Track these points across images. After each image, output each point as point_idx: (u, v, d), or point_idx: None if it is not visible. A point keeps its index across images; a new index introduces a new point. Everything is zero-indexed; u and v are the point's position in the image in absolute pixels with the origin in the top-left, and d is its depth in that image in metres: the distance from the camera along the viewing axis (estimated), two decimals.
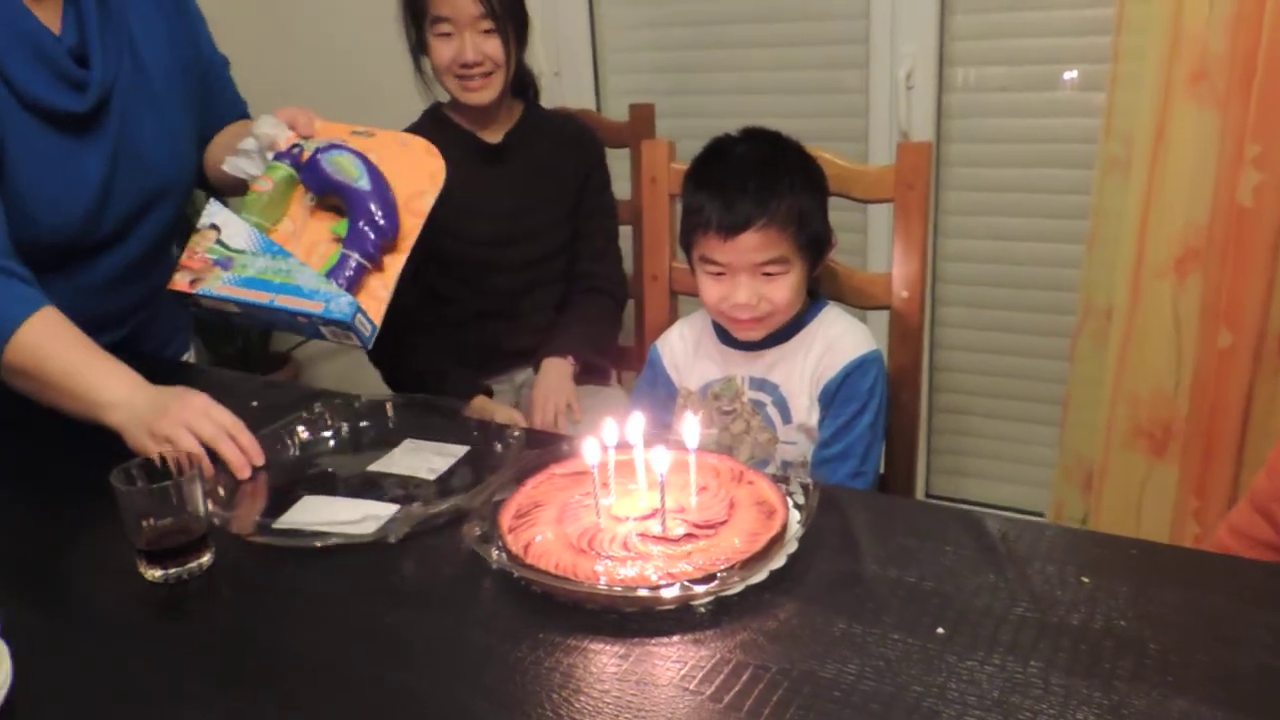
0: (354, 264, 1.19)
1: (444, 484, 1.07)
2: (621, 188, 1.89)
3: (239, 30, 1.72)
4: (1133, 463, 1.77)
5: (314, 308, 1.16)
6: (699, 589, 0.82)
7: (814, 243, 1.26)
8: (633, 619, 0.82)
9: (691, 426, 0.96)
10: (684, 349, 1.39)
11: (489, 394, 1.66)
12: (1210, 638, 0.75)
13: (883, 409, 1.29)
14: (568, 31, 2.32)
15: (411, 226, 1.24)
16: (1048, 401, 2.08)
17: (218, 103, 1.47)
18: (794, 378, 1.29)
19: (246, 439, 1.11)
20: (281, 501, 1.04)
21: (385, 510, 1.00)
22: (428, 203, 1.27)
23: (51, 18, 1.25)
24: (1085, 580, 0.83)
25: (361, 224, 1.21)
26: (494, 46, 1.58)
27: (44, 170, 1.24)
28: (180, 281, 1.21)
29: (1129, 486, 1.78)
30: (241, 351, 2.75)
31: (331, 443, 1.19)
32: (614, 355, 1.86)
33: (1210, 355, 1.64)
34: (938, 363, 2.20)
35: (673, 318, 1.49)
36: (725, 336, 1.33)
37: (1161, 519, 1.76)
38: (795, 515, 0.93)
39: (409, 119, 1.72)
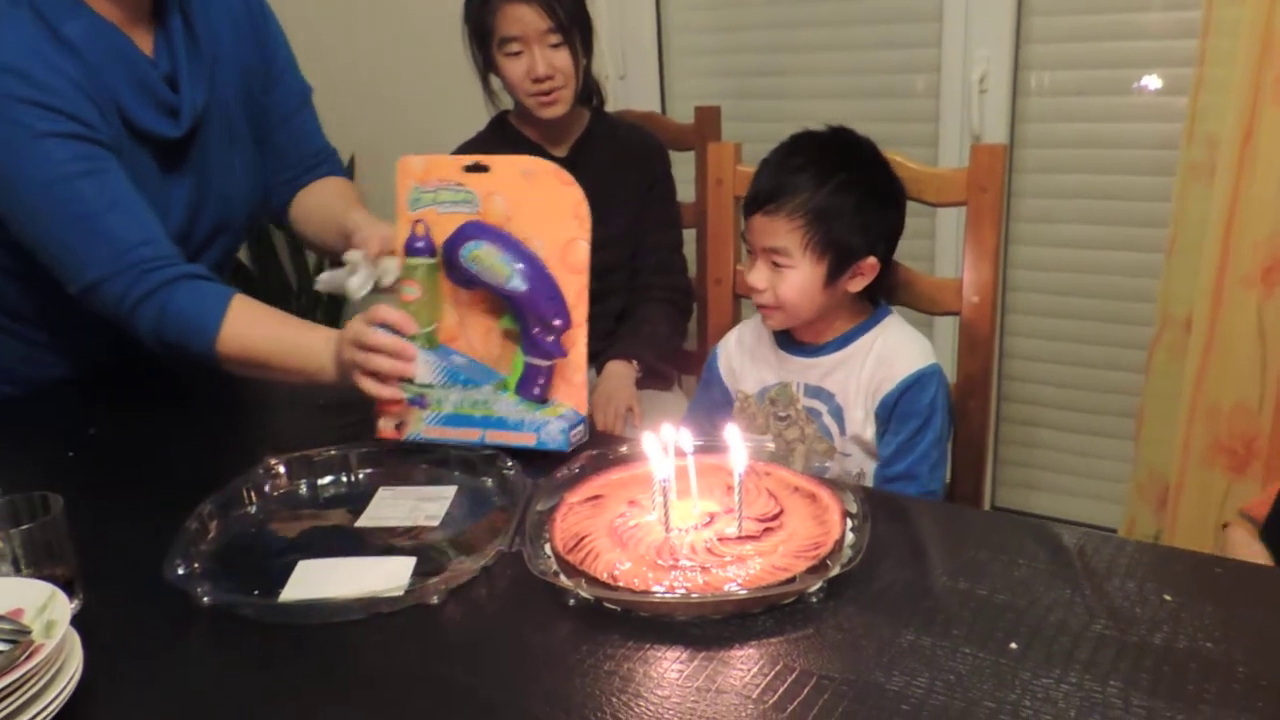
0: (542, 369, 1.13)
1: (452, 530, 0.99)
2: (685, 190, 1.88)
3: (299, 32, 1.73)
4: (1211, 480, 1.70)
5: (526, 440, 1.11)
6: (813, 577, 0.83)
7: (833, 248, 1.19)
8: (695, 625, 0.80)
9: (734, 433, 0.93)
10: (740, 352, 1.37)
11: None
12: None
13: (947, 426, 1.25)
14: (634, 34, 2.31)
15: (579, 287, 1.13)
16: (1120, 414, 2.02)
17: (292, 135, 1.45)
18: (849, 388, 1.25)
19: (387, 340, 1.09)
20: (270, 572, 0.92)
21: (403, 566, 0.92)
22: (584, 251, 1.13)
23: (144, 41, 1.27)
24: (1168, 598, 0.79)
25: (535, 330, 1.12)
26: (563, 59, 1.58)
27: (142, 196, 1.25)
28: (387, 429, 1.15)
29: (1206, 505, 1.72)
30: None
31: (295, 500, 1.08)
32: (678, 360, 1.85)
33: None
34: (1007, 372, 2.15)
35: (736, 321, 1.47)
36: (783, 340, 1.31)
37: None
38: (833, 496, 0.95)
39: (473, 129, 1.73)
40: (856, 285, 1.24)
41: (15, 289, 1.34)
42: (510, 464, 1.06)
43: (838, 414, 1.26)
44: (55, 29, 1.18)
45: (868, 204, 1.21)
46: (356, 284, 1.18)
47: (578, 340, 1.14)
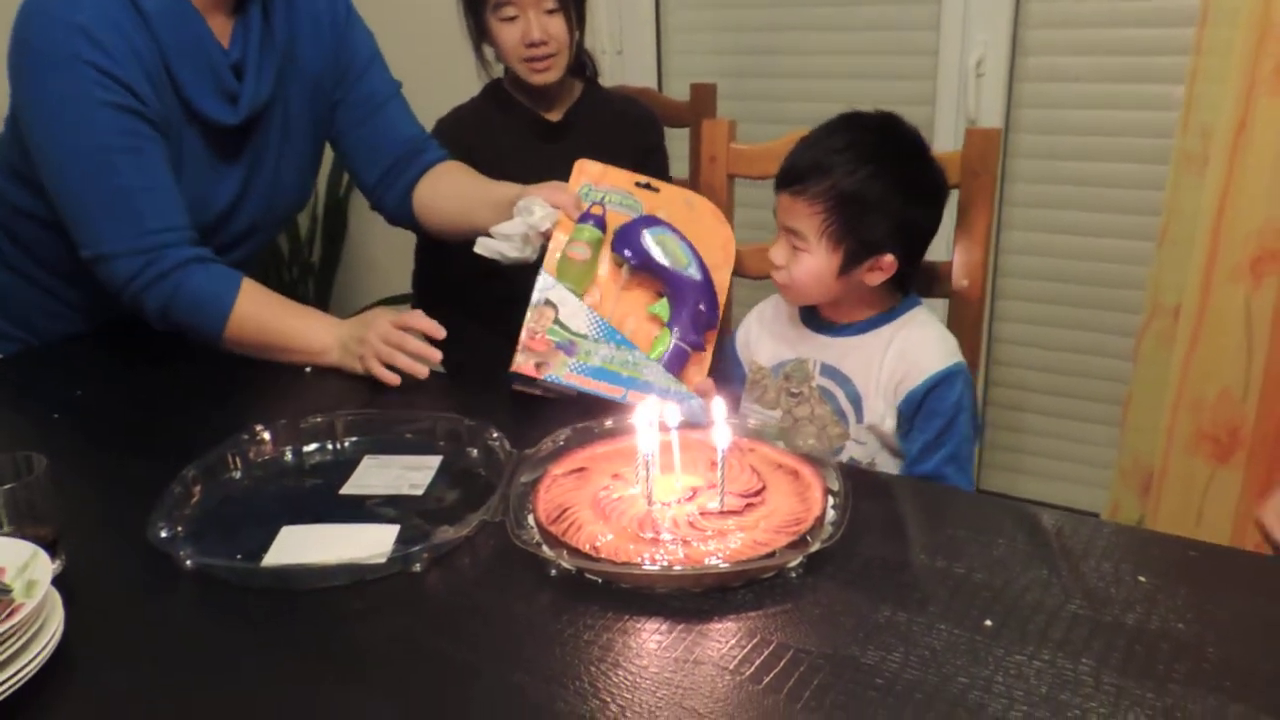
0: (685, 354, 1.20)
1: (438, 499, 1.00)
2: (680, 167, 1.88)
3: None
4: (1194, 468, 1.71)
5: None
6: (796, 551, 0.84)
7: (850, 239, 1.17)
8: (675, 597, 0.81)
9: (719, 408, 0.94)
10: (760, 325, 1.35)
11: None
12: (1274, 644, 0.73)
13: (972, 427, 1.22)
14: (631, 10, 2.30)
15: (720, 305, 1.26)
16: (1107, 401, 2.03)
17: (381, 127, 1.46)
18: (870, 376, 1.23)
19: (415, 345, 1.23)
20: (253, 537, 0.92)
21: (386, 533, 0.92)
22: (725, 278, 1.27)
23: (223, 29, 1.29)
24: (1142, 580, 0.80)
25: (690, 314, 1.20)
26: (558, 25, 1.57)
27: (188, 179, 1.28)
28: (525, 364, 1.16)
29: (1189, 492, 1.73)
30: None
31: (280, 467, 1.08)
32: None
33: None
34: (995, 357, 2.16)
35: (728, 300, 1.47)
36: (805, 315, 1.30)
37: (1222, 526, 1.71)
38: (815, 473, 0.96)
39: (463, 96, 1.72)
40: (874, 279, 1.20)
41: (47, 237, 1.36)
42: (496, 435, 1.07)
43: (856, 400, 1.24)
44: (137, 1, 1.20)
45: (896, 199, 1.17)
46: (542, 214, 1.23)
47: (712, 341, 1.24)
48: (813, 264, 1.19)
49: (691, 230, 1.25)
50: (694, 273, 1.22)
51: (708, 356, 1.24)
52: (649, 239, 1.22)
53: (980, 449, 2.21)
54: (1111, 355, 2.01)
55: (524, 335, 1.18)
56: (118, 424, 1.22)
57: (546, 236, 1.24)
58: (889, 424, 1.22)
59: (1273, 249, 1.56)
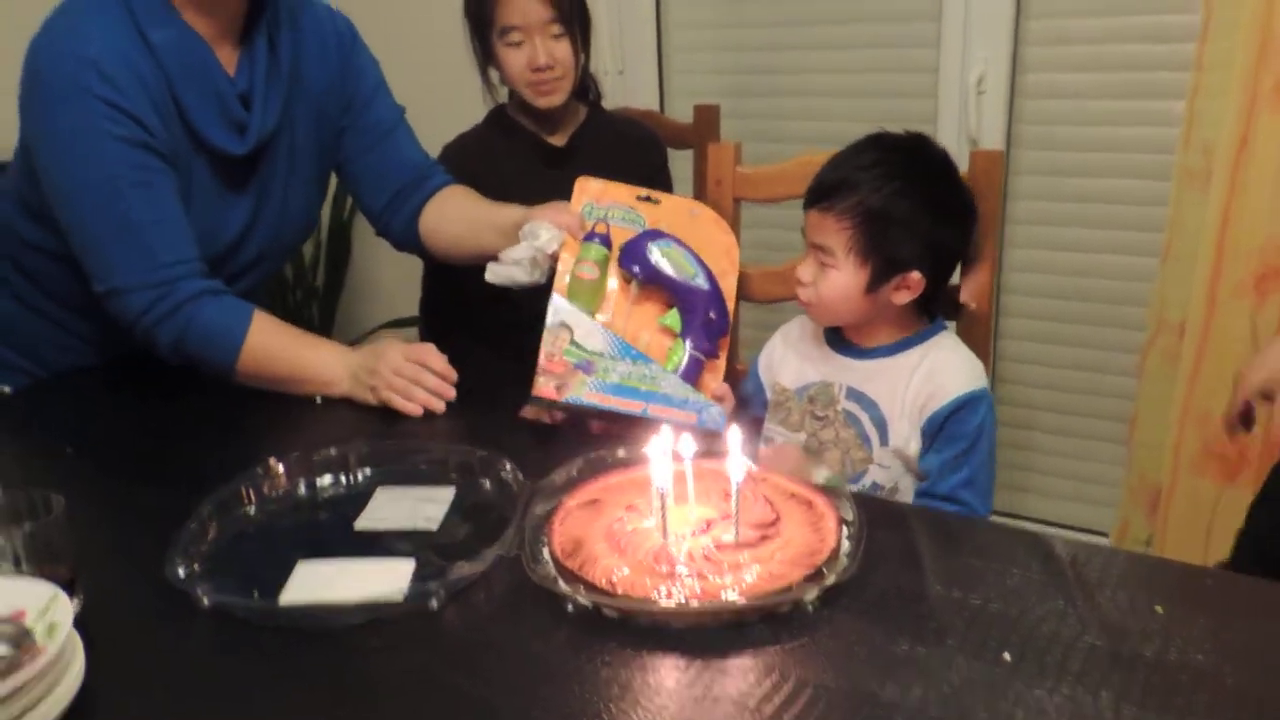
0: (699, 363, 1.22)
1: (453, 532, 1.00)
2: (683, 188, 1.88)
3: None
4: (1202, 486, 1.71)
5: (687, 419, 1.18)
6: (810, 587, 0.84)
7: (878, 255, 1.18)
8: (692, 632, 0.81)
9: (735, 435, 0.94)
10: (784, 346, 1.36)
11: None
12: None
13: (992, 453, 1.23)
14: (633, 30, 2.31)
15: (729, 311, 1.28)
16: (1114, 418, 2.03)
17: (388, 153, 1.47)
18: (895, 400, 1.23)
19: (432, 381, 1.25)
20: (269, 573, 0.91)
21: (402, 569, 0.91)
22: (731, 284, 1.30)
23: (229, 58, 1.30)
24: (1159, 609, 0.80)
25: (701, 323, 1.23)
26: (564, 50, 1.58)
27: (198, 209, 1.29)
28: (545, 387, 1.18)
29: (1198, 510, 1.73)
30: None
31: (294, 501, 1.08)
32: None
33: None
34: (1000, 375, 2.16)
35: (739, 319, 1.48)
36: (831, 337, 1.30)
37: (1231, 545, 1.70)
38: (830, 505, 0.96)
39: (469, 121, 1.73)
40: (901, 298, 1.21)
41: (57, 270, 1.36)
42: (509, 467, 1.07)
43: (880, 424, 1.24)
44: (144, 33, 1.21)
45: (924, 217, 1.18)
46: (548, 237, 1.25)
47: (725, 348, 1.27)
48: (840, 280, 1.20)
49: (695, 239, 1.27)
50: (701, 282, 1.24)
51: (722, 362, 1.26)
52: (655, 252, 1.24)
53: None
54: (1116, 372, 2.01)
55: (541, 359, 1.19)
56: (130, 456, 1.22)
57: (554, 258, 1.25)
58: (913, 447, 1.23)
59: (1276, 265, 1.57)
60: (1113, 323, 2.00)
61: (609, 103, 1.86)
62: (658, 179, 1.75)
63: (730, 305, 1.27)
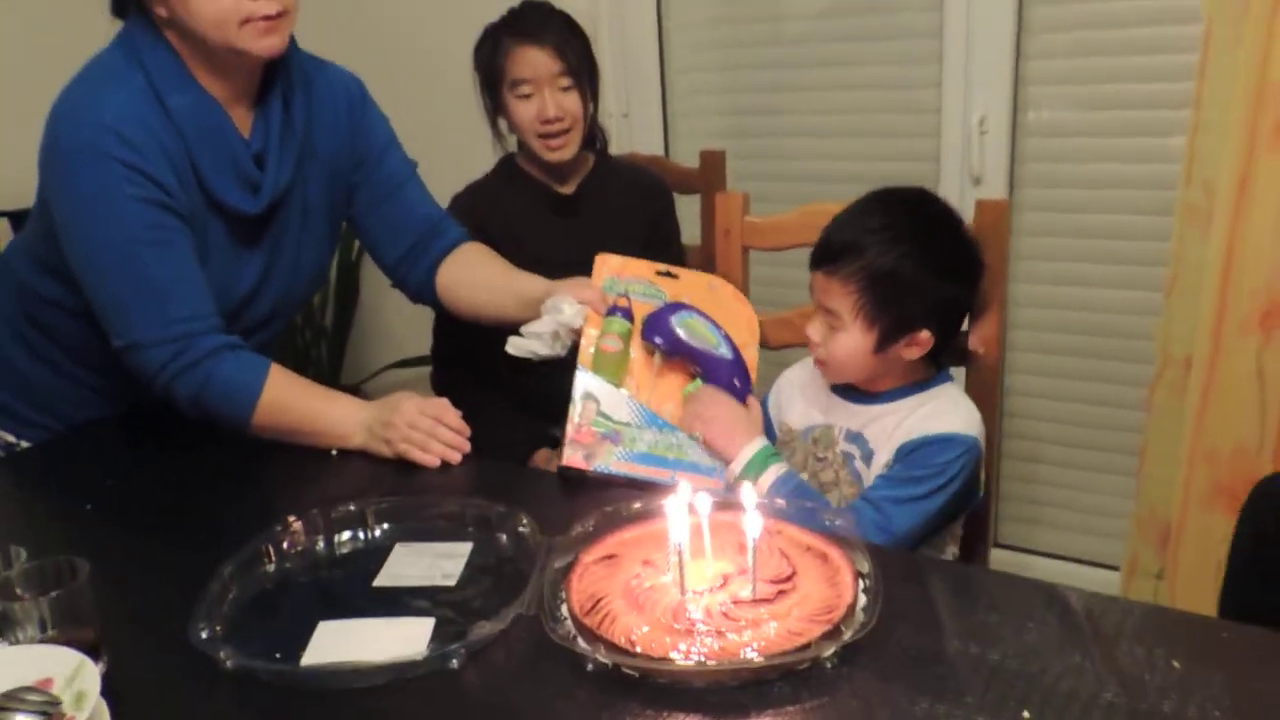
0: None
1: (471, 589, 1.01)
2: (690, 233, 1.90)
3: None
4: (1213, 521, 1.71)
5: (716, 485, 1.21)
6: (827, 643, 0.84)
7: (885, 317, 1.18)
8: (713, 691, 0.82)
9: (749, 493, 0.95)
10: (791, 387, 1.38)
11: (554, 444, 1.66)
12: None
13: (950, 499, 1.20)
14: (637, 72, 2.34)
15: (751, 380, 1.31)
16: (1122, 451, 2.04)
17: (401, 206, 1.49)
18: (883, 437, 1.25)
19: (448, 434, 1.27)
20: (291, 631, 0.93)
21: (422, 628, 0.93)
22: (753, 355, 1.33)
23: (244, 120, 1.33)
24: (1176, 664, 0.81)
25: (725, 390, 1.27)
26: (573, 101, 1.61)
27: (213, 266, 1.31)
28: (573, 458, 1.22)
29: (1208, 545, 1.73)
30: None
31: (313, 558, 1.09)
32: None
33: None
34: (1008, 409, 2.17)
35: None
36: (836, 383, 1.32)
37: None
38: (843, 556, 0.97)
39: (478, 171, 1.76)
40: (911, 354, 1.22)
41: (75, 327, 1.38)
42: (525, 520, 1.08)
43: (868, 458, 1.26)
44: (163, 99, 1.25)
45: (931, 277, 1.18)
46: (571, 312, 1.28)
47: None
48: (849, 342, 1.21)
49: (715, 312, 1.30)
50: (724, 351, 1.27)
51: None
52: (676, 324, 1.27)
53: (996, 502, 2.21)
54: (1125, 406, 2.02)
55: (569, 430, 1.23)
56: (149, 512, 1.23)
57: (577, 333, 1.28)
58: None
59: None
60: (1119, 356, 2.01)
61: (615, 144, 1.88)
62: (664, 225, 1.77)
63: (753, 376, 1.30)
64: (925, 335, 1.20)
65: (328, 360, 2.79)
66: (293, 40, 1.32)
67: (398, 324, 2.76)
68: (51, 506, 1.28)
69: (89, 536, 1.17)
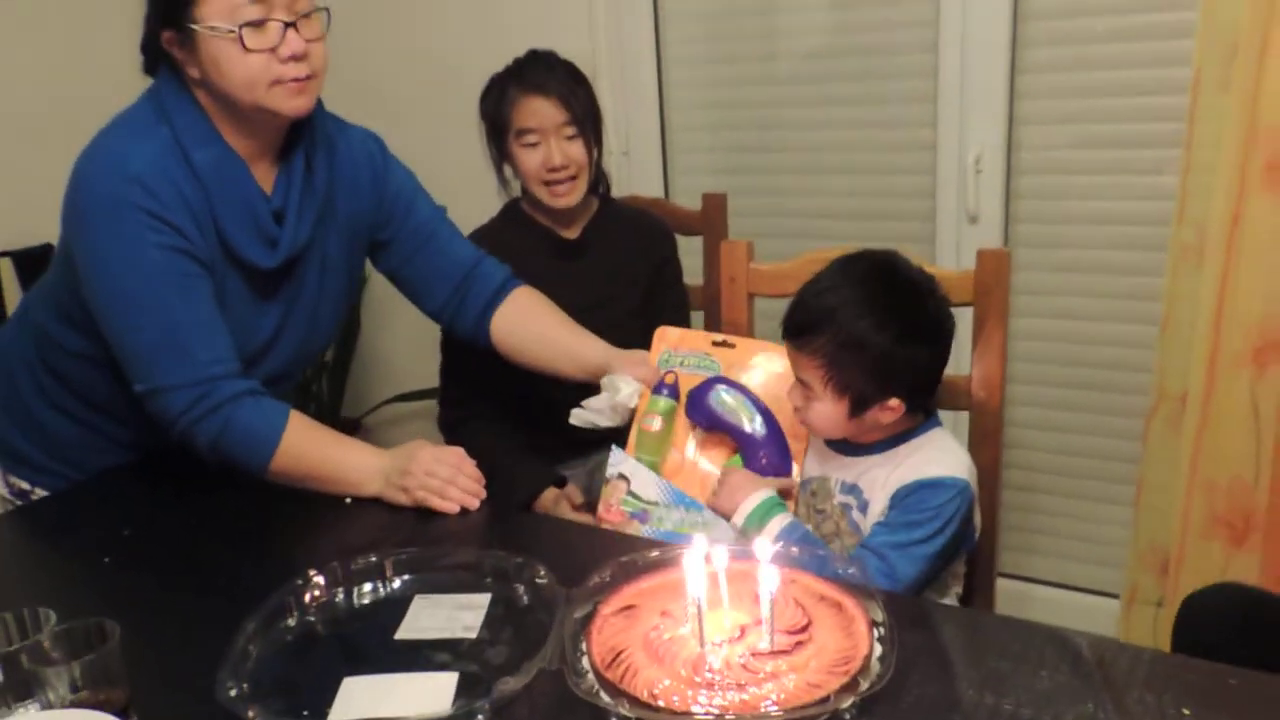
0: None
1: (490, 641, 1.02)
2: (692, 275, 1.93)
3: None
4: (1211, 552, 1.74)
5: None
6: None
7: (852, 390, 1.21)
8: None
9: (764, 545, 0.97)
10: None
11: (561, 483, 1.68)
12: None
13: (950, 541, 1.22)
14: (637, 110, 2.38)
15: (796, 452, 1.35)
16: (1120, 481, 2.06)
17: (437, 251, 1.52)
18: (876, 486, 1.28)
19: (466, 482, 1.29)
20: (316, 685, 0.95)
21: (445, 683, 0.94)
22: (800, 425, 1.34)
23: (266, 176, 1.35)
24: (1186, 712, 0.83)
25: (756, 467, 1.32)
26: (578, 150, 1.64)
27: (231, 316, 1.33)
28: None
29: (1207, 575, 1.75)
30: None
31: (334, 611, 1.10)
32: None
33: None
34: (1006, 440, 2.18)
35: None
36: None
37: None
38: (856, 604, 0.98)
39: (484, 216, 1.78)
40: (886, 418, 1.24)
41: (94, 376, 1.40)
42: (542, 571, 1.10)
43: (864, 508, 1.28)
44: (187, 153, 1.27)
45: (896, 346, 1.19)
46: (628, 392, 1.36)
47: (791, 490, 1.33)
48: (824, 410, 1.24)
49: (767, 379, 1.36)
50: (758, 427, 1.32)
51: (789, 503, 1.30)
52: (713, 401, 1.33)
53: (997, 535, 2.23)
54: (1122, 436, 2.04)
55: (600, 508, 1.29)
56: (168, 562, 1.25)
57: (633, 411, 1.35)
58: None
59: (1274, 340, 1.61)
60: (1116, 388, 2.04)
61: (615, 183, 1.91)
62: (668, 269, 1.80)
63: (800, 445, 1.34)
64: (895, 402, 1.22)
65: (328, 394, 2.80)
66: (319, 101, 1.34)
67: (398, 358, 2.78)
68: (69, 559, 1.29)
69: (109, 590, 1.18)
